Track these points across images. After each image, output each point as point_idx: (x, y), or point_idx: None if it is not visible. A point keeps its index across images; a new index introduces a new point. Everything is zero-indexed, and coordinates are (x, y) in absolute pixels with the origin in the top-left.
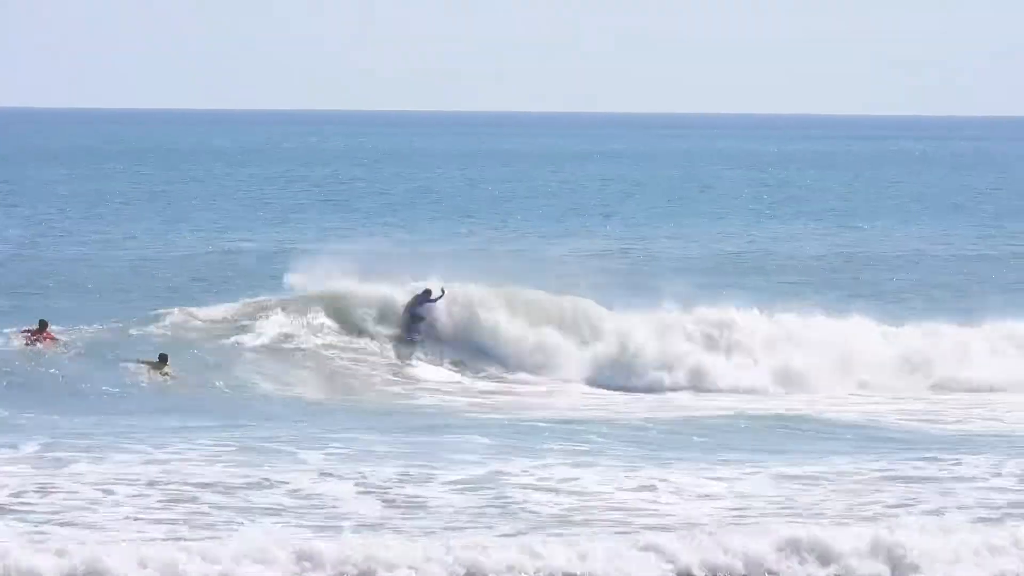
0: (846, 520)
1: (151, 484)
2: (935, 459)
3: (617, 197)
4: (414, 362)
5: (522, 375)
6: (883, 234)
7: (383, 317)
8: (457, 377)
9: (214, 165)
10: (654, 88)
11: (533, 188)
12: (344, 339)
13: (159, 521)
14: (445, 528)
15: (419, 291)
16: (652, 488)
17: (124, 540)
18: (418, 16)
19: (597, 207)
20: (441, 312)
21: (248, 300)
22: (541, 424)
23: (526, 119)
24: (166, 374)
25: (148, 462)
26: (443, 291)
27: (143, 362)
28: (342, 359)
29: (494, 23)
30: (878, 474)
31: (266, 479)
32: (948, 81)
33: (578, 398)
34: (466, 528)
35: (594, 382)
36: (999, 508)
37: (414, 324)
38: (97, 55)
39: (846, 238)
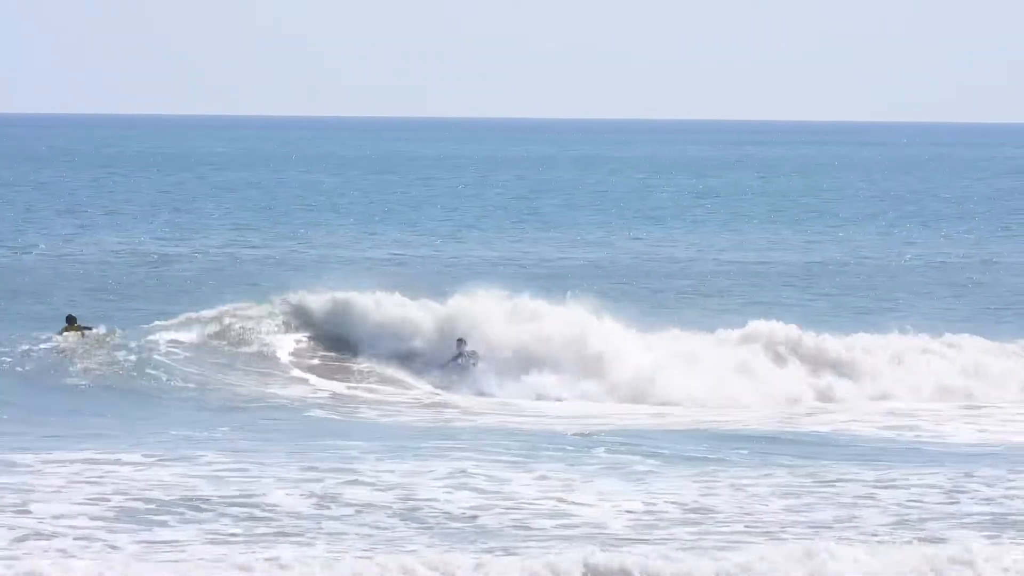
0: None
1: (72, 487)
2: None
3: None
4: (319, 373)
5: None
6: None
7: (299, 325)
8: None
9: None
10: (655, 90)
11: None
12: (260, 349)
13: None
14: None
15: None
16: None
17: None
18: (418, 17)
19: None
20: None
21: (172, 313)
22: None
23: (519, 124)
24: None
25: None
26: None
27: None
28: (244, 367)
29: (494, 24)
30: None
31: (181, 481)
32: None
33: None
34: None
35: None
36: None
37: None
38: (84, 61)
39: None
